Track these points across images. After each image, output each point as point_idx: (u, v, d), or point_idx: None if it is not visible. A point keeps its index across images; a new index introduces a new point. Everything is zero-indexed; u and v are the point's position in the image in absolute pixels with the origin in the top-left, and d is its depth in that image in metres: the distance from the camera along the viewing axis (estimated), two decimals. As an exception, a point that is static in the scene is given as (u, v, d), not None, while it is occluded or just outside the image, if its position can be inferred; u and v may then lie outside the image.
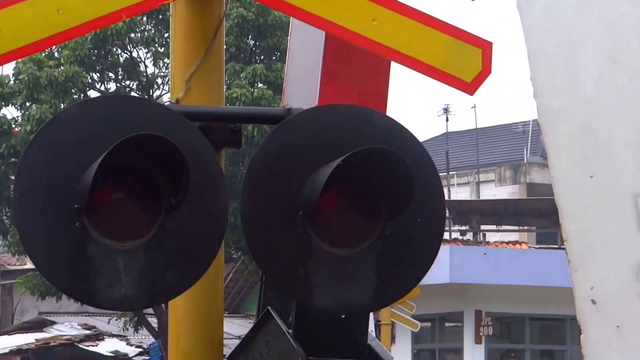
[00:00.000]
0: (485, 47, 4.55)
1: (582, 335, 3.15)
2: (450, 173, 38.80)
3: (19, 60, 26.27)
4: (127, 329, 35.55)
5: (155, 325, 30.57)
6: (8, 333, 40.61)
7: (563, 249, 3.00)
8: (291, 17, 5.01)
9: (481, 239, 36.78)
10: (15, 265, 42.21)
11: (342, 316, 4.19)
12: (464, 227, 36.90)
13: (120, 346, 36.93)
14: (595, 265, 3.17)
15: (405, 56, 4.57)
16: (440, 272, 24.12)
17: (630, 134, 3.20)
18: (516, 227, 39.06)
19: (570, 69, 3.27)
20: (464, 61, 4.58)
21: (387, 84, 5.13)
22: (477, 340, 29.25)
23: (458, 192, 42.90)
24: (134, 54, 31.61)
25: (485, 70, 4.54)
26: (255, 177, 4.01)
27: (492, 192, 43.82)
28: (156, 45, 30.71)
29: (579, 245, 3.17)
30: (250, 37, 29.29)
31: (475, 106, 43.57)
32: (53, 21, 4.25)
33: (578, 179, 3.20)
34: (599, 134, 3.24)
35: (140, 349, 35.95)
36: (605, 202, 3.19)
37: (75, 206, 3.73)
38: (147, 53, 31.59)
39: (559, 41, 3.28)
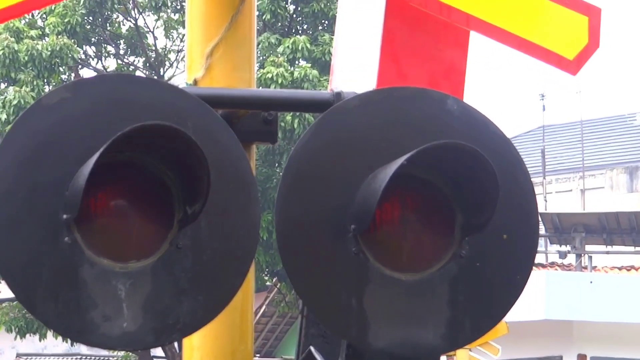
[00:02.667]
0: (592, 15, 4.30)
1: None
2: (547, 177, 35.10)
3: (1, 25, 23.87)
4: None
5: None
6: None
7: None
8: None
9: (586, 263, 31.98)
10: None
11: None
12: (564, 247, 31.39)
13: None
14: None
15: (491, 26, 4.28)
16: (533, 305, 22.35)
17: None
18: (632, 248, 32.11)
19: None
20: (566, 32, 4.30)
21: (465, 61, 4.72)
22: (582, 393, 27.68)
23: (557, 201, 38.83)
24: (140, 22, 26.95)
25: (591, 44, 4.26)
26: (294, 181, 3.53)
27: (601, 201, 37.84)
28: (168, 10, 26.28)
29: None
30: (289, 1, 24.93)
31: (580, 92, 39.86)
32: None
33: None
34: None
35: None
36: None
37: (64, 217, 3.27)
38: (156, 21, 26.99)
39: None
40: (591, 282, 27.43)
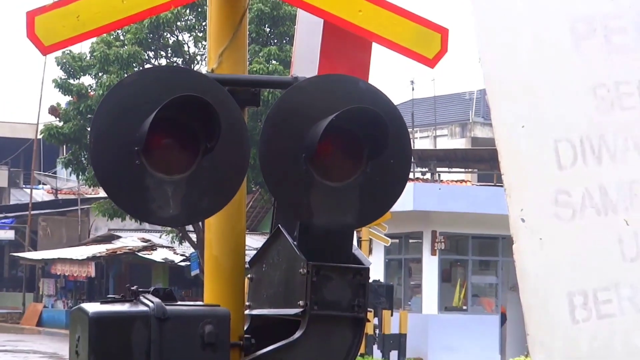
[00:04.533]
0: (443, 32, 4.73)
1: (514, 245, 3.36)
2: (414, 129, 41.42)
3: (93, 40, 30.82)
4: (174, 242, 38.35)
5: (194, 238, 32.21)
6: (85, 244, 44.76)
7: (498, 185, 3.42)
8: (298, 9, 5.31)
9: (437, 178, 39.45)
10: (91, 194, 45.64)
11: (334, 232, 4.34)
12: (424, 169, 39.51)
13: (169, 254, 40.13)
14: (524, 192, 3.36)
15: (383, 38, 4.82)
16: (406, 201, 25.42)
17: (551, 96, 3.38)
18: (463, 170, 42.12)
19: (509, 47, 3.43)
20: (427, 43, 4.79)
21: (369, 59, 5.34)
22: (433, 253, 30.37)
23: (420, 143, 45.94)
24: (180, 38, 33.22)
25: (442, 50, 4.75)
26: (270, 128, 4.18)
27: (445, 143, 47.51)
28: (196, 31, 32.43)
29: (513, 177, 3.36)
30: (266, 25, 31.22)
31: (434, 79, 48.62)
32: (119, 9, 4.43)
33: (513, 128, 3.37)
34: (528, 96, 3.38)
35: (184, 257, 38.41)
36: (532, 146, 3.34)
37: (135, 148, 3.95)
38: (189, 37, 33.15)
39: (502, 26, 3.44)
40: (439, 189, 31.02)
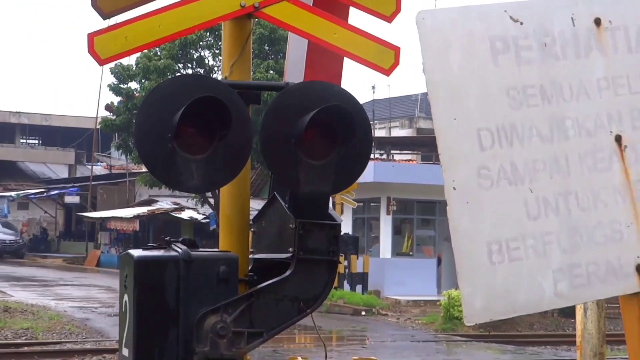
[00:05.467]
0: (396, 50, 4.77)
1: (447, 207, 3.28)
2: (374, 122, 41.85)
3: (138, 55, 30.06)
4: (197, 205, 38.29)
5: (212, 202, 32.19)
6: (132, 206, 44.65)
7: (436, 164, 3.37)
8: (289, 32, 5.14)
9: (391, 158, 39.25)
10: (135, 169, 45.10)
11: (315, 197, 4.30)
12: (381, 152, 39.39)
13: (193, 214, 39.93)
14: (455, 168, 3.25)
15: (352, 54, 4.80)
16: (368, 175, 25.44)
17: (475, 96, 3.29)
18: (410, 152, 42.14)
19: (444, 59, 3.31)
20: (385, 58, 4.80)
21: (342, 70, 5.25)
22: (387, 213, 30.48)
23: (379, 132, 46.07)
24: (202, 54, 32.92)
25: (396, 63, 4.79)
26: (268, 120, 4.14)
27: (397, 132, 47.57)
28: (214, 49, 32.12)
29: (447, 157, 3.26)
30: (266, 44, 30.83)
31: (389, 85, 50.83)
32: (156, 31, 4.43)
33: (448, 119, 3.27)
34: (459, 97, 3.29)
35: (204, 216, 38.13)
36: (461, 134, 3.26)
37: (168, 135, 3.93)
38: (209, 53, 32.85)
39: (440, 42, 3.31)
40: (393, 166, 31.37)
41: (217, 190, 4.53)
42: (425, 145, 39.26)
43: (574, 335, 3.52)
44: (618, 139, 3.38)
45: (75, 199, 51.66)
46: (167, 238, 4.34)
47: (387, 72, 4.86)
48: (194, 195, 36.04)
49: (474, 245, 3.13)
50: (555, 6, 3.38)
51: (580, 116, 3.28)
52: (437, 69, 3.30)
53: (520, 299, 3.16)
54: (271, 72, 29.70)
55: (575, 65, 3.30)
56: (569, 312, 20.22)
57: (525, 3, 3.37)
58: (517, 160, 3.21)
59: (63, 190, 53.12)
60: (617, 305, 3.44)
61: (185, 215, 41.01)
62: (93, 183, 49.98)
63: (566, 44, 3.30)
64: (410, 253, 31.36)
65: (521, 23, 3.28)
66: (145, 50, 27.31)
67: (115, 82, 34.57)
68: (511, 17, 3.34)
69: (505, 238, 3.16)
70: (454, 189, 3.22)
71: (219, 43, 33.33)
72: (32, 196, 54.66)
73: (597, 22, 3.35)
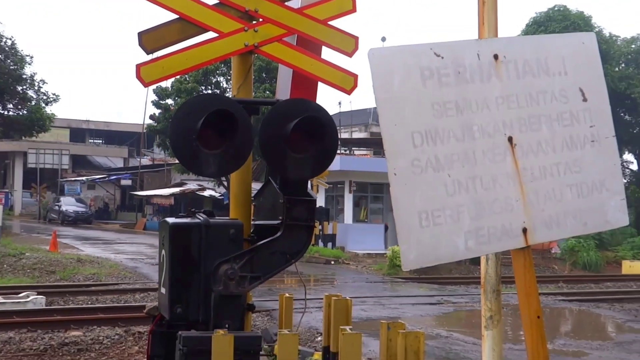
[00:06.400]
0: (355, 76, 4.79)
1: (390, 188, 3.17)
2: (340, 128, 41.53)
3: (172, 79, 29.97)
4: (215, 186, 38.21)
5: (225, 184, 31.78)
6: (168, 187, 43.92)
7: (384, 157, 3.09)
8: (279, 64, 4.94)
9: (352, 153, 39.01)
10: (171, 161, 43.97)
11: (298, 181, 4.27)
12: (345, 149, 39.00)
13: (212, 193, 39.36)
14: (396, 160, 3.13)
15: (323, 79, 4.77)
16: (335, 165, 25.39)
17: (410, 109, 3.19)
18: (365, 149, 41.60)
19: (388, 82, 3.21)
20: (347, 82, 4.77)
21: (316, 90, 5.03)
22: (349, 192, 30.16)
23: (343, 135, 45.98)
24: (218, 79, 32.24)
25: (355, 86, 4.77)
26: (264, 127, 4.10)
27: (357, 135, 47.30)
28: (227, 75, 31.48)
29: (390, 152, 3.13)
30: (263, 73, 30.22)
31: (351, 101, 50.00)
32: (184, 63, 4.40)
33: (391, 125, 3.13)
34: (398, 108, 3.18)
35: (220, 194, 37.66)
36: (400, 135, 3.13)
37: (194, 137, 3.91)
38: (223, 79, 32.18)
39: (385, 70, 3.20)
40: (353, 159, 31.32)
41: (228, 176, 4.53)
42: (376, 144, 39.22)
43: (480, 277, 3.53)
44: (510, 139, 3.35)
45: (128, 182, 51.61)
46: (193, 210, 4.34)
47: (349, 92, 4.85)
48: (212, 179, 36.28)
49: (408, 215, 3.09)
50: (466, 46, 3.34)
51: (483, 123, 3.28)
52: (383, 90, 3.25)
53: (442, 252, 3.15)
54: (267, 92, 29.62)
55: (480, 87, 3.29)
56: (476, 261, 20.30)
57: (445, 43, 3.30)
58: (439, 154, 3.18)
59: (119, 176, 52.91)
60: (509, 256, 3.34)
61: (207, 193, 40.85)
62: (141, 170, 49.80)
63: (474, 72, 3.29)
64: (366, 220, 31.39)
65: (442, 57, 3.26)
66: (178, 76, 26.57)
67: (157, 99, 34.47)
68: (435, 53, 3.27)
69: (430, 209, 3.13)
70: (395, 174, 3.17)
71: (230, 71, 33.15)
72: (97, 180, 54.59)
73: (495, 57, 3.35)
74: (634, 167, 40.91)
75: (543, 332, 3.33)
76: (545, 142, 3.36)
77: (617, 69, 34.99)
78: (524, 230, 3.30)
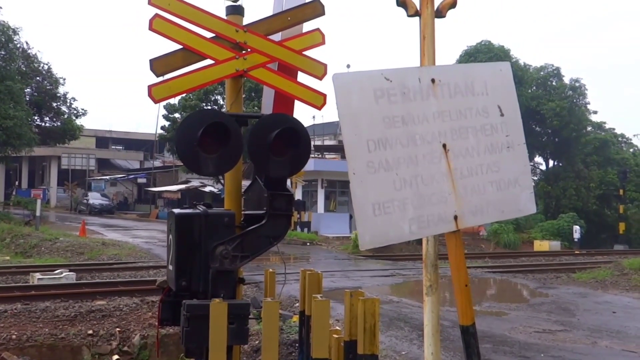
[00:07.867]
0: (324, 95, 4.62)
1: (350, 185, 3.14)
2: (314, 137, 40.59)
3: (179, 97, 28.84)
4: (214, 183, 37.17)
5: (222, 181, 31.15)
6: (176, 184, 42.89)
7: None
8: (264, 85, 4.74)
9: (323, 156, 38.33)
10: (178, 163, 42.85)
11: (279, 178, 4.10)
12: (318, 153, 38.38)
13: (212, 188, 38.31)
14: (355, 161, 3.09)
15: (299, 97, 4.61)
16: (309, 166, 25.28)
17: (365, 122, 3.14)
18: (334, 153, 40.57)
19: (348, 100, 3.17)
20: (317, 99, 4.62)
21: (294, 107, 4.85)
22: (322, 187, 30.33)
23: (317, 142, 45.69)
24: (216, 98, 31.29)
25: (324, 103, 4.61)
26: (252, 136, 3.95)
27: (328, 142, 46.56)
28: (223, 94, 30.92)
29: (350, 155, 3.10)
30: (252, 92, 29.38)
31: (323, 115, 48.25)
32: (188, 84, 4.23)
33: (351, 134, 3.10)
34: (356, 121, 3.13)
35: (218, 189, 36.80)
36: (357, 142, 3.09)
37: (195, 143, 3.73)
38: (220, 97, 31.30)
39: (346, 91, 3.16)
40: (325, 161, 30.98)
41: (223, 175, 4.45)
42: (343, 150, 38.45)
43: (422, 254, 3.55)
44: (444, 146, 3.34)
45: (144, 180, 50.94)
46: (195, 202, 4.26)
47: (319, 107, 4.72)
48: (211, 178, 35.87)
49: (364, 206, 3.06)
50: (410, 72, 3.36)
51: (423, 133, 3.25)
52: (344, 106, 3.18)
53: (391, 235, 3.12)
54: (255, 108, 29.40)
55: (420, 104, 3.27)
56: (420, 241, 20.46)
57: (393, 70, 3.32)
58: (389, 157, 3.15)
59: (136, 175, 52.30)
60: (445, 238, 3.36)
61: (207, 189, 40.42)
62: (154, 171, 49.47)
63: (416, 92, 3.27)
64: (335, 210, 31.40)
65: (391, 81, 3.24)
66: (183, 95, 26.14)
67: (166, 113, 34.05)
68: (385, 78, 3.29)
69: (382, 201, 3.10)
70: (354, 174, 3.12)
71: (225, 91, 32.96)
72: (118, 179, 53.89)
73: (433, 80, 3.36)
74: (543, 167, 41.72)
75: (470, 297, 3.37)
76: (471, 148, 3.38)
77: (529, 90, 35.70)
78: (455, 217, 3.31)
